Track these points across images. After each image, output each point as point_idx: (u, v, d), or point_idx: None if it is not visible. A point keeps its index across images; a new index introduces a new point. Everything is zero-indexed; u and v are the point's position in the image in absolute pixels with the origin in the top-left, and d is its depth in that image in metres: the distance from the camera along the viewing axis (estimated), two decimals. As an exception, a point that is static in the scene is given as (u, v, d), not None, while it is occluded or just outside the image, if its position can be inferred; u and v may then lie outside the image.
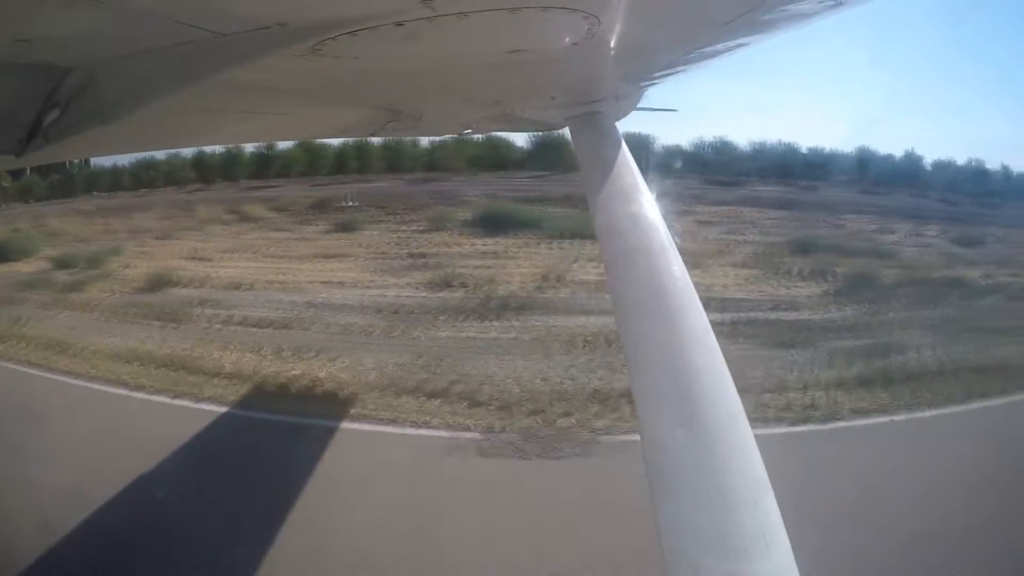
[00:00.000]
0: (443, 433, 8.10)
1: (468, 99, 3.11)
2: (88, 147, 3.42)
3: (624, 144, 2.81)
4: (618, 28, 1.55)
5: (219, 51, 1.29)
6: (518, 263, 15.70)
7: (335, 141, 24.07)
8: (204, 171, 24.83)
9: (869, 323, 12.55)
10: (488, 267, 15.31)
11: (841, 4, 1.89)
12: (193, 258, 16.55)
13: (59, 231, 19.03)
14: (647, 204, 2.38)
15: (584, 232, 16.01)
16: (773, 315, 12.88)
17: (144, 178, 24.64)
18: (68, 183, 24.00)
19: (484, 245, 17.10)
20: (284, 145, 24.48)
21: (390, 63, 1.67)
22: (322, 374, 9.89)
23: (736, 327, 11.81)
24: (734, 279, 14.96)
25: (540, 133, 18.93)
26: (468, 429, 8.18)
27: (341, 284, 14.40)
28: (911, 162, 27.18)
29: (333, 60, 1.47)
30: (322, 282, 14.48)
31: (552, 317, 12.30)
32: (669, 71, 3.50)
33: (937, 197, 24.80)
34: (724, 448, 1.68)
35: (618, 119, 3.76)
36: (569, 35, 1.48)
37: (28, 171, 21.08)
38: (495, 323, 12.16)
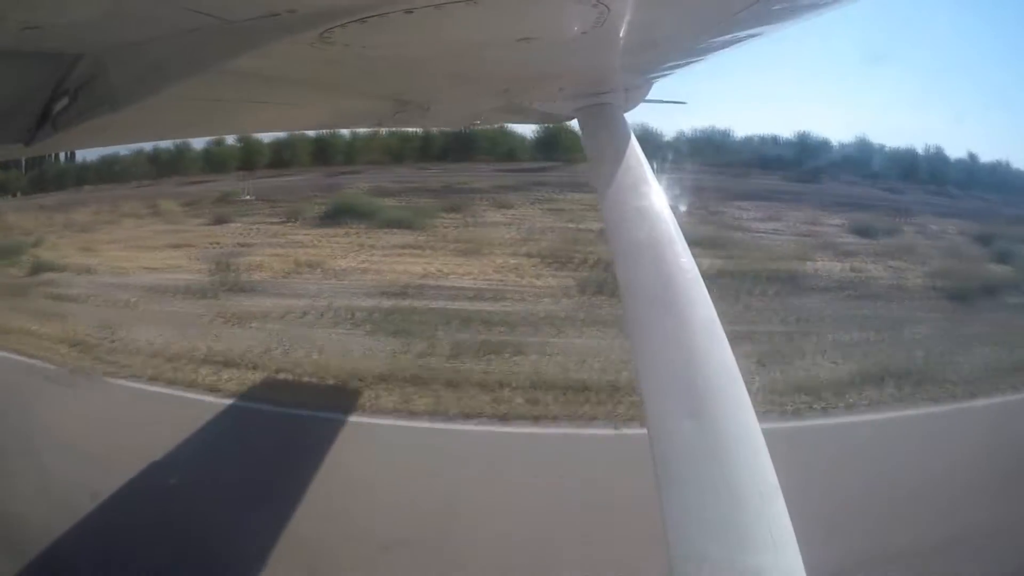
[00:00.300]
0: (31, 361, 10.68)
1: (477, 89, 3.10)
2: (97, 136, 3.43)
3: (633, 136, 2.80)
4: (628, 17, 1.54)
5: (227, 38, 1.29)
6: (306, 251, 16.66)
7: (270, 136, 24.85)
8: (160, 167, 25.18)
9: (557, 318, 12.24)
10: (277, 255, 16.33)
11: None
12: (84, 249, 17.71)
13: (13, 225, 20.03)
14: (655, 196, 2.37)
15: (410, 222, 17.48)
16: (451, 305, 12.91)
17: (107, 173, 25.01)
18: (43, 178, 24.35)
19: (305, 235, 17.97)
20: (231, 139, 25.20)
21: (399, 51, 1.67)
22: (43, 329, 12.04)
23: (389, 314, 12.44)
24: (500, 267, 15.03)
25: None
26: (52, 362, 10.65)
27: (155, 269, 15.86)
28: (862, 150, 25.63)
29: (342, 48, 1.46)
30: (144, 268, 16.04)
31: (256, 298, 13.65)
32: (679, 62, 3.48)
33: (884, 186, 23.21)
34: (731, 439, 1.68)
35: (627, 111, 3.74)
36: (578, 23, 1.48)
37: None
38: (204, 301, 13.68)
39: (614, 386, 9.02)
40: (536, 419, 8.43)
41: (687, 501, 1.61)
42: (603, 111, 3.10)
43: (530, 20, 1.42)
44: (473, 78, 2.59)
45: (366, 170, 24.12)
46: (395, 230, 17.44)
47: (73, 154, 23.82)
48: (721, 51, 3.19)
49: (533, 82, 2.98)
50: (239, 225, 19.12)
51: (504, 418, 8.48)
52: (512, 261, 15.23)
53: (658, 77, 4.16)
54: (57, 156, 23.63)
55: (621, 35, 1.74)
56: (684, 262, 2.08)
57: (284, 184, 22.66)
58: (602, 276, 13.65)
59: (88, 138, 3.35)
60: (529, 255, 15.57)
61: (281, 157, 25.69)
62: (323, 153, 25.69)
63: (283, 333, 11.83)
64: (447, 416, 8.59)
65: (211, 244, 17.60)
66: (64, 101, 1.62)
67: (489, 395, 9.02)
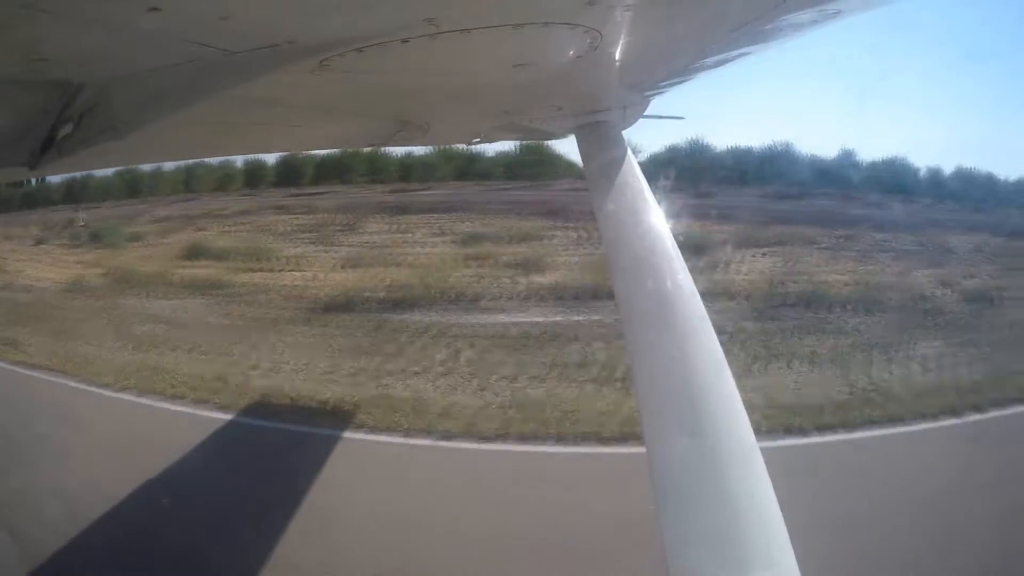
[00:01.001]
0: None
1: (475, 110, 3.14)
2: (100, 159, 3.48)
3: (631, 153, 2.82)
4: (620, 42, 1.57)
5: (229, 68, 1.32)
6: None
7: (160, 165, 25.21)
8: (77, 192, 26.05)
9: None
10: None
11: (839, 13, 1.90)
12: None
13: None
14: (653, 213, 2.39)
15: (111, 243, 19.70)
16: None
17: (39, 198, 25.71)
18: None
19: (45, 253, 20.01)
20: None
21: (397, 78, 1.70)
22: None
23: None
24: (51, 274, 17.02)
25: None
26: None
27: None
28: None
29: (341, 75, 1.49)
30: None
31: None
32: (673, 81, 3.51)
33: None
34: (728, 457, 1.68)
35: (625, 128, 3.77)
36: (572, 49, 1.50)
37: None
38: None
39: None
40: None
41: (685, 518, 1.61)
42: (600, 128, 3.13)
43: (524, 47, 1.45)
44: (471, 101, 2.62)
45: (203, 198, 25.18)
46: (99, 249, 19.52)
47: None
48: (716, 69, 3.23)
49: (530, 103, 3.01)
50: (43, 246, 20.81)
51: None
52: (71, 271, 17.56)
53: (655, 94, 4.20)
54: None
55: (615, 58, 1.77)
56: (681, 279, 2.09)
57: (130, 212, 23.98)
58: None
59: (93, 161, 3.40)
60: (95, 265, 17.83)
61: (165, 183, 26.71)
62: (188, 182, 26.63)
63: None
64: None
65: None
66: (68, 127, 1.65)
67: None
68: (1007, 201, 22.84)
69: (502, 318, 12.86)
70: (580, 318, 12.71)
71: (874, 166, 24.47)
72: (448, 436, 8.19)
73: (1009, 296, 14.40)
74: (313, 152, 23.57)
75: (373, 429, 8.42)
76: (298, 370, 10.71)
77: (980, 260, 16.99)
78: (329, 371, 10.64)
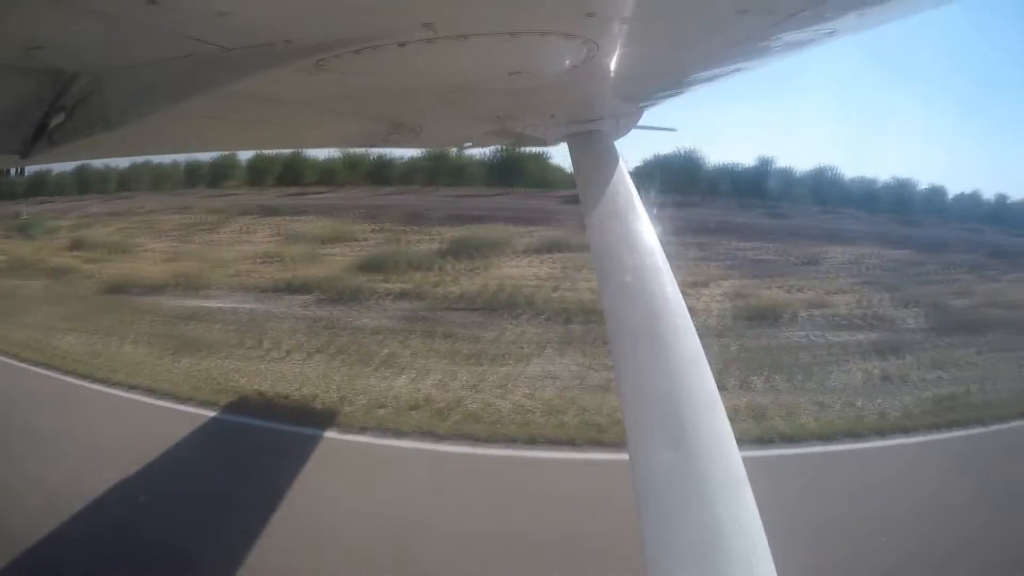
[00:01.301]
0: None
1: (469, 115, 3.14)
2: (93, 150, 3.44)
3: (622, 163, 2.83)
4: (616, 53, 1.59)
5: (225, 64, 1.31)
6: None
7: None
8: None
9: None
10: None
11: (835, 33, 1.93)
12: None
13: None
14: (643, 223, 2.38)
15: (29, 234, 21.36)
16: None
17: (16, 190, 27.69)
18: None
19: None
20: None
21: (392, 80, 1.70)
22: None
23: None
24: None
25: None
26: None
27: None
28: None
29: (336, 75, 1.50)
30: None
31: None
32: (668, 93, 3.54)
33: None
34: (712, 469, 1.68)
35: (617, 138, 3.79)
36: (568, 59, 1.51)
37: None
38: None
39: None
40: None
41: (667, 530, 1.61)
42: (593, 138, 3.13)
43: (521, 55, 1.46)
44: (465, 106, 2.63)
45: (139, 196, 27.05)
46: (20, 240, 21.16)
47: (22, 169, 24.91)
48: (710, 82, 3.26)
49: (524, 110, 3.02)
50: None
51: None
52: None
53: (648, 105, 4.23)
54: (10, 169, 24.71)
55: (610, 69, 1.79)
56: (669, 291, 2.09)
57: (73, 207, 25.55)
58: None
59: (84, 151, 3.36)
60: (2, 252, 19.41)
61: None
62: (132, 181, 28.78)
63: None
64: None
65: None
66: (60, 117, 1.63)
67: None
68: (946, 215, 23.27)
69: (204, 303, 14.54)
70: (251, 306, 14.19)
71: (790, 174, 25.28)
72: (25, 361, 10.63)
73: (826, 314, 13.21)
74: (242, 154, 26.17)
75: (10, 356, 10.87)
76: (29, 326, 12.63)
77: (840, 274, 16.23)
78: (42, 325, 12.64)
